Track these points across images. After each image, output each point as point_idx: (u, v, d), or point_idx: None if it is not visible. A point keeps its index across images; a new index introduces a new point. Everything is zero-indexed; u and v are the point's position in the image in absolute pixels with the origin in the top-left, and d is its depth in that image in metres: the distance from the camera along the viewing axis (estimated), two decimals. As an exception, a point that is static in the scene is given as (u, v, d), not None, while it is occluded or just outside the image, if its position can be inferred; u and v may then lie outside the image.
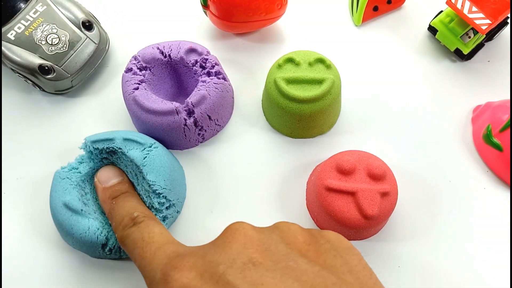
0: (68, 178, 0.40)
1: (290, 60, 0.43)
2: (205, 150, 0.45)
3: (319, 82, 0.41)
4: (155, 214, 0.39)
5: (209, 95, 0.42)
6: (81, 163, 0.41)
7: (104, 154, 0.41)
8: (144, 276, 0.30)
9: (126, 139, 0.40)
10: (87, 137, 0.41)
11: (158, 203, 0.39)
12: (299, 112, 0.42)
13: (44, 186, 0.43)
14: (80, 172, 0.41)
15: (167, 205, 0.40)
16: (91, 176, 0.42)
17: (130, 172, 0.42)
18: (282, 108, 0.42)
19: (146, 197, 0.40)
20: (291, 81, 0.42)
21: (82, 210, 0.38)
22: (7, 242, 0.42)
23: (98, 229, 0.38)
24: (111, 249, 0.38)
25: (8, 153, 0.46)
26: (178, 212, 0.41)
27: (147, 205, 0.40)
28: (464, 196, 0.43)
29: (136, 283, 0.40)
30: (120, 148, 0.40)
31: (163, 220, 0.39)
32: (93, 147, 0.41)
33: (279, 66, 0.43)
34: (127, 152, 0.40)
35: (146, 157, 0.40)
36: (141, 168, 0.39)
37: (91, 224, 0.38)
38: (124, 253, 0.38)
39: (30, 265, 0.41)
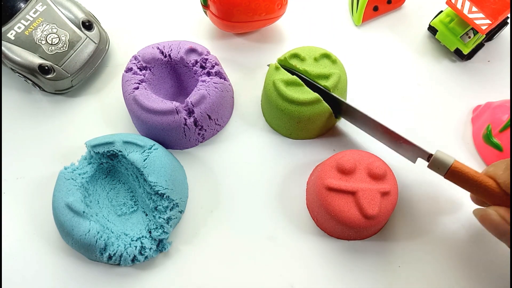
0: (73, 179, 0.40)
1: (295, 56, 0.43)
2: (205, 150, 0.45)
3: (325, 77, 0.41)
4: (159, 217, 0.39)
5: (209, 94, 0.42)
6: (87, 164, 0.41)
7: (104, 158, 0.42)
8: None
9: (126, 142, 0.41)
10: (87, 142, 0.41)
11: (162, 205, 0.39)
12: (298, 115, 0.42)
13: (44, 186, 0.43)
14: (85, 173, 0.41)
15: (171, 206, 0.40)
16: (95, 178, 0.42)
17: (131, 174, 0.42)
18: (281, 110, 0.42)
19: (149, 199, 0.40)
20: (290, 83, 0.42)
21: (84, 212, 0.38)
22: (6, 242, 0.42)
23: (98, 232, 0.38)
24: (111, 256, 0.38)
25: (8, 152, 0.46)
26: (181, 212, 0.41)
27: (150, 207, 0.40)
28: (464, 196, 0.43)
29: None
30: (120, 151, 0.40)
31: (167, 222, 0.39)
32: (94, 151, 0.41)
33: (277, 68, 0.43)
34: (127, 155, 0.40)
35: (146, 159, 0.40)
36: (142, 170, 0.39)
37: (91, 227, 0.38)
38: (124, 262, 0.38)
39: (29, 264, 0.41)
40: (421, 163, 0.44)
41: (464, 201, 0.42)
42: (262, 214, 0.42)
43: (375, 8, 0.52)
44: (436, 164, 0.37)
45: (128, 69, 0.44)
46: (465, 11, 0.45)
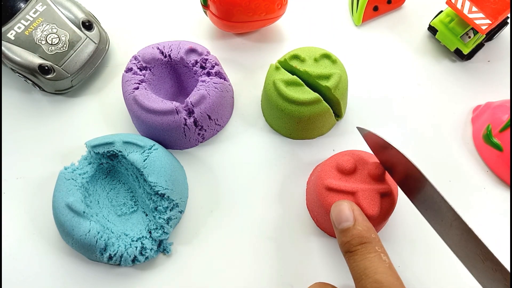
0: (73, 179, 0.40)
1: (295, 57, 0.43)
2: (205, 150, 0.45)
3: (326, 77, 0.41)
4: (159, 217, 0.39)
5: (209, 94, 0.42)
6: (87, 165, 0.41)
7: (104, 159, 0.42)
8: None
9: (126, 142, 0.41)
10: (87, 142, 0.41)
11: (162, 206, 0.39)
12: (298, 115, 0.42)
13: (44, 186, 0.43)
14: (85, 173, 0.41)
15: (171, 206, 0.40)
16: (95, 179, 0.42)
17: (131, 175, 0.42)
18: (281, 110, 0.42)
19: (149, 200, 0.40)
20: (290, 83, 0.42)
21: (84, 212, 0.38)
22: (6, 242, 0.42)
23: (98, 232, 0.38)
24: (111, 256, 0.38)
25: (8, 152, 0.46)
26: (181, 212, 0.41)
27: (150, 207, 0.40)
28: (464, 196, 0.43)
29: None
30: (120, 152, 0.40)
31: (167, 223, 0.39)
32: (94, 152, 0.41)
33: (277, 68, 0.43)
34: (127, 155, 0.40)
35: (146, 159, 0.40)
36: (142, 170, 0.39)
37: (92, 227, 0.38)
38: (124, 262, 0.38)
39: (29, 264, 0.41)
40: (422, 162, 0.44)
41: (464, 201, 0.42)
42: (262, 214, 0.42)
43: (375, 8, 0.52)
44: None
45: (128, 69, 0.44)
46: (465, 11, 0.45)
